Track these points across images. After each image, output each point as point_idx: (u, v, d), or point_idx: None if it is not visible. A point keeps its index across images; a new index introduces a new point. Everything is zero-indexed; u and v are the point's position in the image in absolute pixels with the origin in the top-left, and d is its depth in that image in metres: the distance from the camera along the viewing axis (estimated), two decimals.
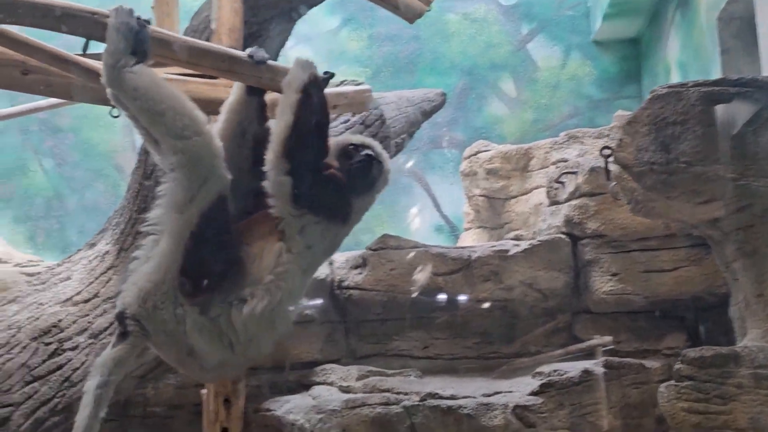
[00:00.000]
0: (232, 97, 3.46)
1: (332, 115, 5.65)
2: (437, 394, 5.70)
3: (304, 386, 6.21)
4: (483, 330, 6.50)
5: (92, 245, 5.50)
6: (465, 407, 5.57)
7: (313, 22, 9.90)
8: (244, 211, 3.37)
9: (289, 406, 5.81)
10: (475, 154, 8.55)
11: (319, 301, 6.48)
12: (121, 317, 3.16)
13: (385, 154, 3.52)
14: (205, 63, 3.16)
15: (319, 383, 6.20)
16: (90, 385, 3.13)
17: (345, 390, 6.03)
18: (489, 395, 5.68)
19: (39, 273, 5.78)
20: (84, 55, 3.11)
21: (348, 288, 6.52)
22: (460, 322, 6.49)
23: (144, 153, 5.44)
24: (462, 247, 6.91)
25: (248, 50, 3.28)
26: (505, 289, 6.35)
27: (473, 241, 8.29)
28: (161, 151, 3.10)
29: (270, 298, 3.16)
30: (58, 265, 5.52)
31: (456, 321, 6.49)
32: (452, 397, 5.67)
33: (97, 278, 5.37)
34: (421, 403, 5.63)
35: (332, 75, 3.43)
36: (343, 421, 5.61)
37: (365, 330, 6.61)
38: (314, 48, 10.04)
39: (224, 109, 3.46)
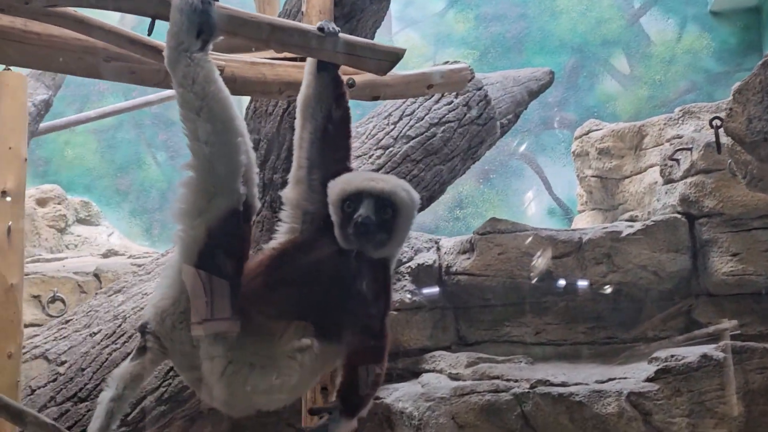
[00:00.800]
0: (305, 73, 3.40)
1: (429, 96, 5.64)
2: (548, 381, 5.56)
3: (414, 373, 6.14)
4: (597, 315, 6.29)
5: None
6: (577, 394, 5.41)
7: (419, 5, 9.91)
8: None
9: (398, 394, 5.75)
10: (586, 134, 8.34)
11: (427, 288, 6.39)
12: (143, 331, 3.11)
13: (400, 194, 3.12)
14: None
15: (428, 371, 6.12)
16: (104, 397, 3.07)
17: (454, 377, 5.94)
18: (602, 382, 5.51)
19: (144, 264, 5.86)
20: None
21: (456, 273, 6.40)
22: (572, 307, 6.30)
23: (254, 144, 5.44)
24: (573, 230, 6.73)
25: (319, 23, 3.22)
26: (618, 272, 6.14)
27: (587, 224, 8.10)
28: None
29: (279, 383, 3.05)
30: (163, 255, 5.57)
31: (568, 305, 6.31)
32: (563, 384, 5.52)
33: None
34: (531, 390, 5.49)
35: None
36: (452, 409, 5.53)
37: (475, 316, 6.47)
38: (421, 31, 10.02)
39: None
